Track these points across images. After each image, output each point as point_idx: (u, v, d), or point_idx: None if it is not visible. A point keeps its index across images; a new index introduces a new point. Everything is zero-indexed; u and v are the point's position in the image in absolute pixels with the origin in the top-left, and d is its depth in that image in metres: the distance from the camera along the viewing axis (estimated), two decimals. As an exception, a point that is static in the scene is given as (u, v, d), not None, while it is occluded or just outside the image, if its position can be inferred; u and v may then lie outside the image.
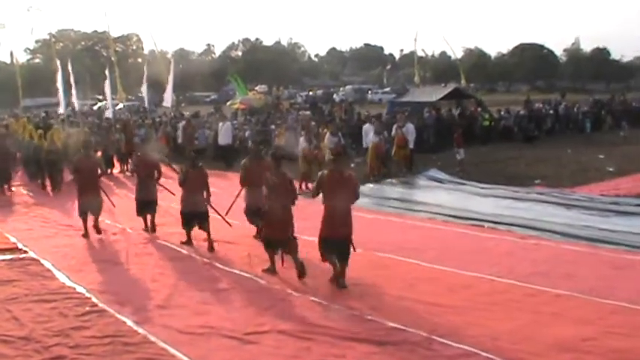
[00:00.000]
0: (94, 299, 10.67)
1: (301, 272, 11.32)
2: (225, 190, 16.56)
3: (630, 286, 10.77)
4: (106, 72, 36.80)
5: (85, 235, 15.30)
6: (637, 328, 8.97)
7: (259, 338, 8.92)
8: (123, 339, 8.98)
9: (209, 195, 14.15)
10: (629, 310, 9.66)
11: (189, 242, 14.23)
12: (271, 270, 11.87)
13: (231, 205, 14.75)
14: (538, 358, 8.01)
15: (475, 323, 9.12)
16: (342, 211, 11.12)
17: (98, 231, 15.49)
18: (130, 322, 9.58)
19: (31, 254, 13.75)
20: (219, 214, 14.49)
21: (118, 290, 11.21)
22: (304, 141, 21.53)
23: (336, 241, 11.04)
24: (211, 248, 13.76)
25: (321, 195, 11.31)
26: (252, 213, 13.82)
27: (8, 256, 13.61)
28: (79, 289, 11.26)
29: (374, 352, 8.33)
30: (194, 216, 14.08)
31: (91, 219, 15.52)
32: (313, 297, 10.45)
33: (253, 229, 14.27)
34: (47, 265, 12.87)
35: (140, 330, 9.28)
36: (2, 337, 9.15)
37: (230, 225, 14.45)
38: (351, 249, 11.14)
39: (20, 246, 14.46)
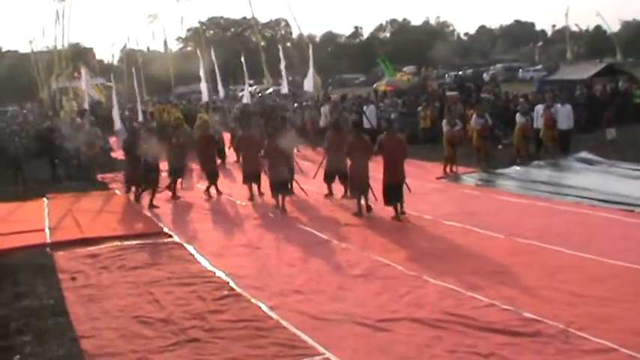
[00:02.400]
0: (231, 283, 10.94)
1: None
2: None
3: None
4: (242, 59, 37.63)
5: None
6: None
7: (392, 326, 8.86)
8: (256, 323, 9.16)
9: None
10: None
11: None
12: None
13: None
14: (685, 356, 7.53)
15: (618, 316, 8.67)
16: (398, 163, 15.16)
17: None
18: (264, 307, 9.75)
19: (176, 238, 14.26)
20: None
21: (256, 275, 11.46)
22: (446, 123, 21.15)
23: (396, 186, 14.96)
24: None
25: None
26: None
27: (154, 240, 14.20)
28: (219, 273, 11.59)
29: (507, 343, 8.08)
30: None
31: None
32: (450, 284, 10.27)
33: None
34: (190, 249, 13.34)
35: (274, 315, 9.43)
36: (143, 318, 9.58)
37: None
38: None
39: (166, 230, 15.00)
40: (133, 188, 18.77)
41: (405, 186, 15.26)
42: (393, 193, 15.02)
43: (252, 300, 10.08)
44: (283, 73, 34.71)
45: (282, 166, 16.77)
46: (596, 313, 8.84)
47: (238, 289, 10.61)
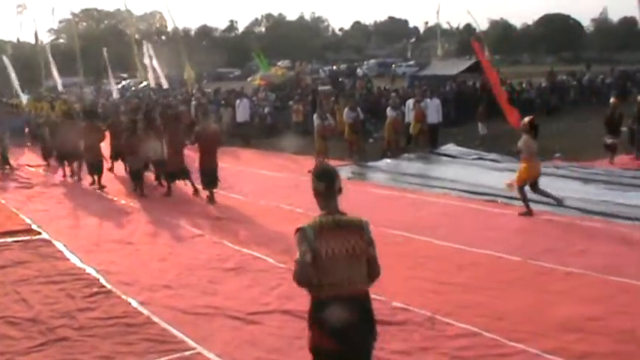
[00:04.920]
0: (102, 280, 10.68)
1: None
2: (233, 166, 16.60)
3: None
4: (104, 52, 36.90)
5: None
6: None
7: (263, 318, 8.86)
8: (126, 320, 8.97)
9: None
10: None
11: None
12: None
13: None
14: (542, 339, 7.85)
15: (481, 302, 9.00)
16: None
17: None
18: (135, 303, 9.57)
19: (45, 235, 13.81)
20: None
21: (127, 271, 11.23)
22: (317, 117, 21.37)
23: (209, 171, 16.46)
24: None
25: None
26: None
27: (22, 238, 13.68)
28: (89, 270, 11.27)
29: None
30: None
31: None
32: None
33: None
34: (59, 246, 12.92)
35: (144, 311, 9.27)
36: (10, 318, 9.17)
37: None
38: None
39: (34, 227, 14.53)
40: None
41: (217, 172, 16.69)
42: (208, 177, 16.47)
43: (123, 296, 9.88)
44: (155, 67, 34.35)
45: (139, 155, 17.61)
46: (461, 299, 9.13)
47: (108, 286, 10.36)
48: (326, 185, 5.33)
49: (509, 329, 8.08)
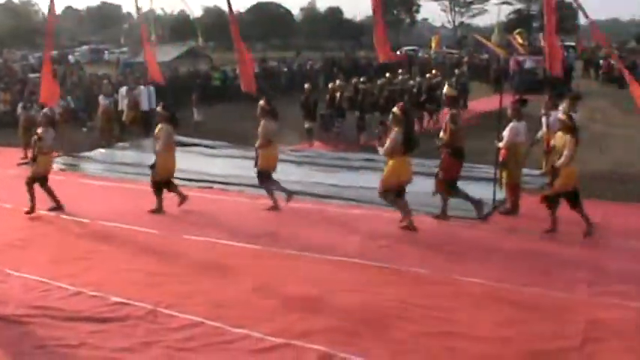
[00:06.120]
0: None
1: None
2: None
3: (357, 241, 11.17)
4: None
5: None
6: (362, 283, 9.29)
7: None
8: None
9: None
10: (356, 265, 10.00)
11: None
12: None
13: None
14: (265, 322, 7.96)
15: (201, 291, 8.99)
16: None
17: None
18: None
19: None
20: None
21: None
22: (22, 107, 20.21)
23: None
24: None
25: None
26: None
27: None
28: None
29: (96, 330, 7.91)
30: None
31: None
32: (35, 276, 9.76)
33: None
34: None
35: None
36: None
37: None
38: None
39: None
40: None
41: None
42: None
43: None
44: None
45: None
46: (181, 290, 9.04)
47: None
48: None
49: (231, 316, 8.13)
